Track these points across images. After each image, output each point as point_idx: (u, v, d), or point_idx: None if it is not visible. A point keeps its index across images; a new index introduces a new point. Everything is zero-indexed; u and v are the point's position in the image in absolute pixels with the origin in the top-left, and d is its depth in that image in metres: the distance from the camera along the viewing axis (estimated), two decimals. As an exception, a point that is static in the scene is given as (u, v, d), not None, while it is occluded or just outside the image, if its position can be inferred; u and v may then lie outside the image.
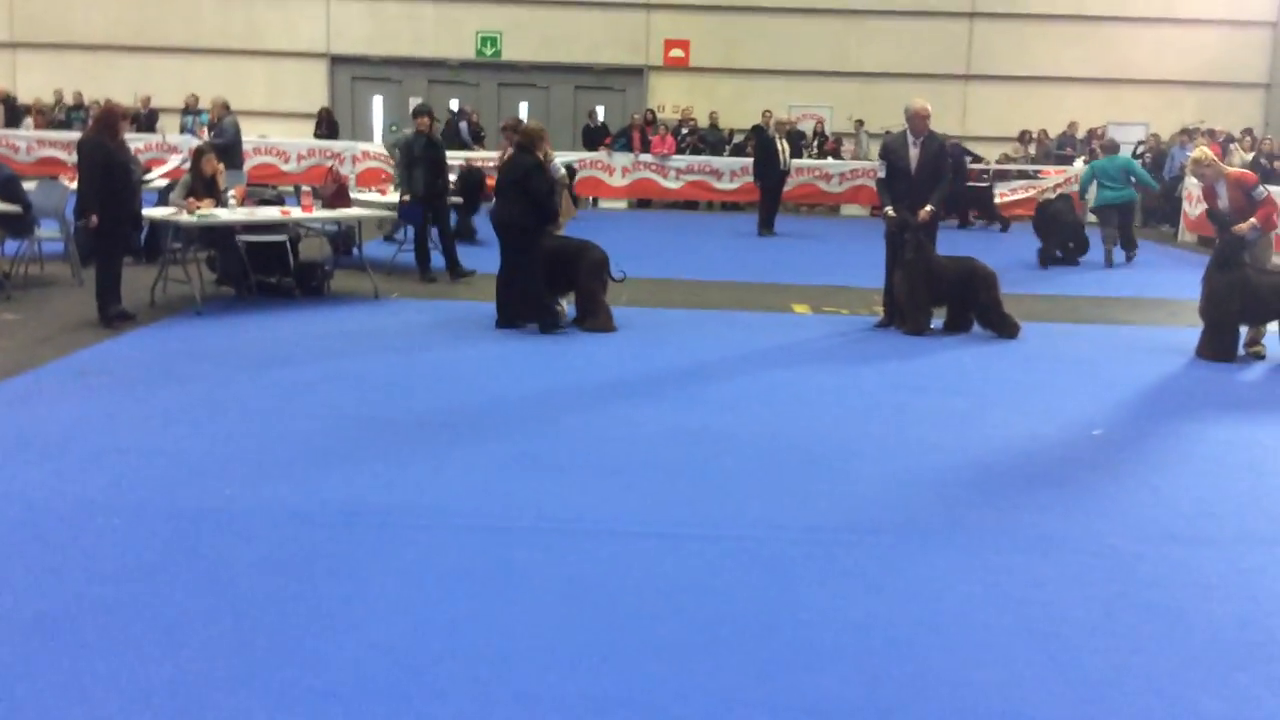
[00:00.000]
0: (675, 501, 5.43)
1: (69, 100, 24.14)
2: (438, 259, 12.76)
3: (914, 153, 9.73)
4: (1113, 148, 16.39)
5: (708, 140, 22.98)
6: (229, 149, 13.98)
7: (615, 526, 5.07)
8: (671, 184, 22.11)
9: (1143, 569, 4.76)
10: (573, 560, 4.66)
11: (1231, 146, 19.74)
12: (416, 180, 12.24)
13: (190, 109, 22.90)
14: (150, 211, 10.55)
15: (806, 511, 5.34)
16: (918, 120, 9.72)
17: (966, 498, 5.62)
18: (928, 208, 9.64)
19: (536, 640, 3.94)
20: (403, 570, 4.51)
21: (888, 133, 11.37)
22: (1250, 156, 19.09)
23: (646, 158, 22.05)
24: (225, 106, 15.23)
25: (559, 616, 4.14)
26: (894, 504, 5.48)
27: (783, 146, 18.46)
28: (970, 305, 9.96)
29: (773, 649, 3.94)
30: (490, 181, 16.25)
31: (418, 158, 12.21)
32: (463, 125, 22.47)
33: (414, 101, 21.69)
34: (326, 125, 23.40)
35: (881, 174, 10.08)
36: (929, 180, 9.73)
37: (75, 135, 16.55)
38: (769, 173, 18.54)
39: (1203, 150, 9.80)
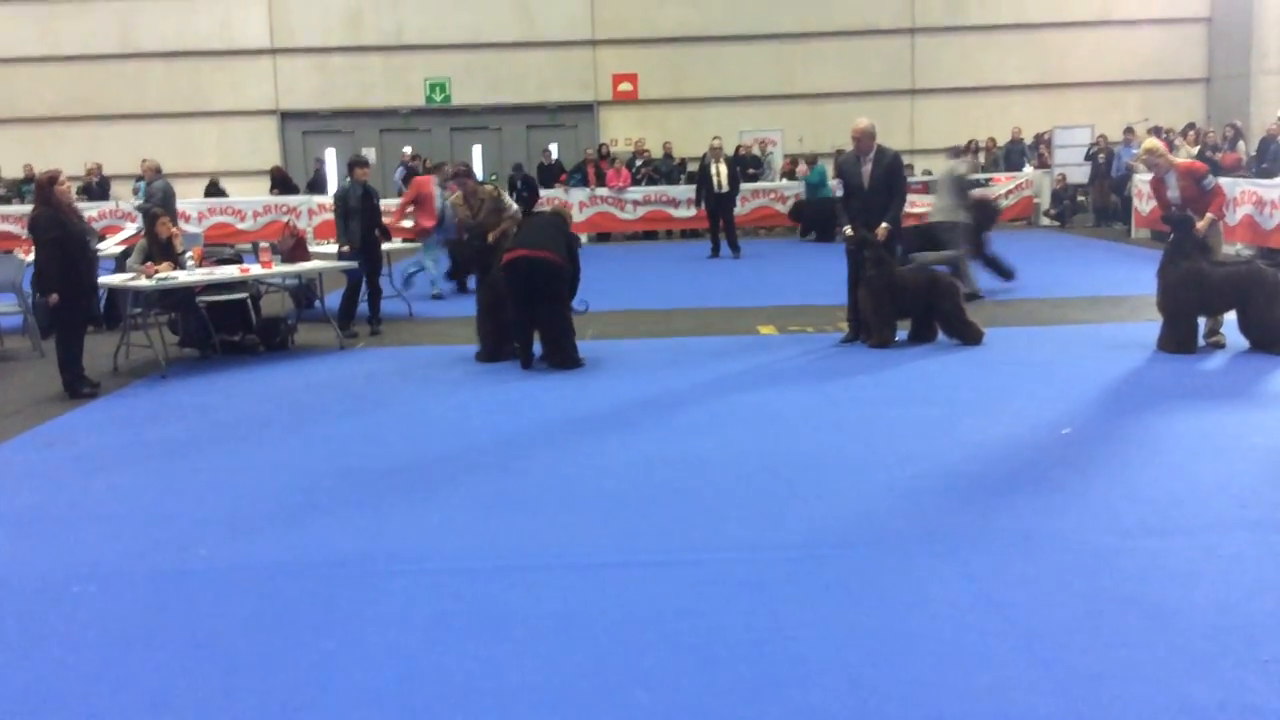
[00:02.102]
0: (655, 529, 5.44)
1: (7, 175, 23.99)
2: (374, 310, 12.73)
3: (865, 170, 9.85)
4: (814, 160, 22.24)
5: (661, 170, 23.13)
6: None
7: (597, 559, 5.07)
8: (629, 216, 22.27)
9: (1121, 563, 4.81)
10: (557, 596, 4.65)
11: (1177, 142, 20.04)
12: (353, 232, 11.89)
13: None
14: (108, 278, 10.49)
15: (786, 530, 5.36)
16: (859, 140, 9.84)
17: (943, 504, 5.66)
18: (884, 225, 9.75)
19: (527, 678, 3.93)
20: (388, 619, 4.48)
21: (839, 152, 11.50)
22: (1195, 150, 19.40)
23: (603, 191, 22.18)
24: (156, 170, 15.22)
25: (548, 653, 4.13)
26: (873, 516, 5.51)
27: (718, 170, 18.62)
28: (933, 315, 10.07)
29: (762, 667, 3.95)
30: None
31: (353, 209, 11.88)
32: (399, 172, 22.06)
33: (365, 152, 21.63)
34: (280, 184, 23.32)
35: (839, 193, 10.18)
36: (883, 196, 9.84)
37: (27, 209, 16.47)
38: (703, 197, 18.90)
39: (1154, 140, 10.03)
